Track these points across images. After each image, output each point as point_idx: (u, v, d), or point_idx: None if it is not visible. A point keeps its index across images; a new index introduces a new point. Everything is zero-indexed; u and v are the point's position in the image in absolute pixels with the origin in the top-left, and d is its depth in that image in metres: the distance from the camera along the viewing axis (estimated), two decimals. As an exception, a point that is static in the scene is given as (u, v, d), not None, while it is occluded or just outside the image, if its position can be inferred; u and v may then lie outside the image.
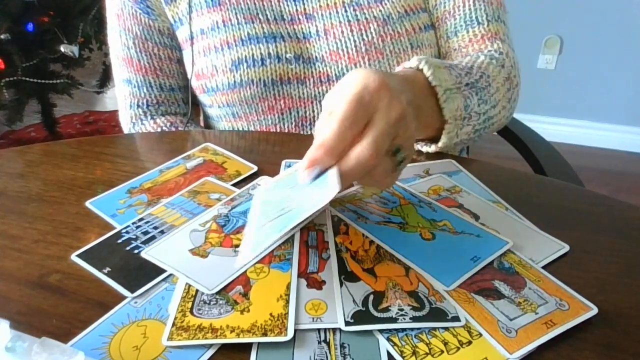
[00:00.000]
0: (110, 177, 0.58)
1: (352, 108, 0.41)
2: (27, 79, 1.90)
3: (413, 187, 0.55)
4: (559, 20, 2.34)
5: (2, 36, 1.77)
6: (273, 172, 0.58)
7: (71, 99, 2.17)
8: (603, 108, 2.44)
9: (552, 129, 2.42)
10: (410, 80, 0.53)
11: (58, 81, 2.00)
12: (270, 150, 0.64)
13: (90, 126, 2.54)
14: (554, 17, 2.33)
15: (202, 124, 0.86)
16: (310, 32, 0.71)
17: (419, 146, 0.63)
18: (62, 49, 1.92)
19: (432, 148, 0.62)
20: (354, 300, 0.40)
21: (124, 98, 0.80)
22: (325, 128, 0.41)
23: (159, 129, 0.78)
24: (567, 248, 0.47)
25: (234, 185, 0.56)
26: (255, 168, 0.59)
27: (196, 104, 0.81)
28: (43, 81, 1.95)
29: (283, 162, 0.60)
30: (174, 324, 0.38)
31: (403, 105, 0.43)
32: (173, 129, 0.78)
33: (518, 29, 2.43)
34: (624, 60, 2.33)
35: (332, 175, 0.41)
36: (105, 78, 2.21)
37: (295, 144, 0.67)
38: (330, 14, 0.71)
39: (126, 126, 0.82)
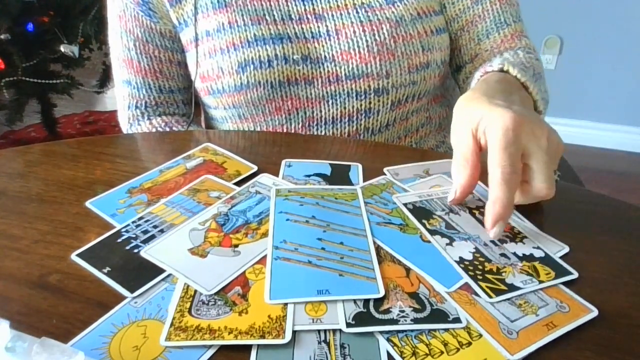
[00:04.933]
0: (110, 177, 0.58)
1: (507, 157, 0.44)
2: (27, 79, 1.90)
3: (413, 187, 0.55)
4: (559, 20, 2.34)
5: (2, 36, 1.77)
6: (273, 172, 0.58)
7: (71, 99, 2.17)
8: (603, 108, 2.44)
9: (552, 129, 2.41)
10: (510, 89, 0.57)
11: (58, 81, 1.99)
12: (271, 150, 0.64)
13: (90, 126, 2.54)
14: (554, 17, 2.33)
15: (203, 124, 0.86)
16: (319, 31, 0.71)
17: None
18: (62, 49, 1.92)
19: None
20: (354, 302, 0.40)
21: (122, 99, 0.80)
22: (494, 186, 0.44)
23: (153, 129, 0.78)
24: (567, 248, 0.47)
25: (234, 184, 0.56)
26: (255, 168, 0.59)
27: (197, 104, 0.81)
28: (43, 81, 1.95)
29: (283, 162, 0.60)
30: (172, 324, 0.38)
31: (544, 125, 0.47)
32: (167, 129, 0.78)
33: (518, 29, 2.43)
34: (624, 60, 2.33)
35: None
36: (105, 78, 2.21)
37: (295, 143, 0.67)
38: (341, 14, 0.71)
39: (124, 126, 0.82)
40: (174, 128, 0.78)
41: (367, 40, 0.69)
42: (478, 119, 0.48)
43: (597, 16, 2.28)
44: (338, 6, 0.71)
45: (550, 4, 2.31)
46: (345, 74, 0.70)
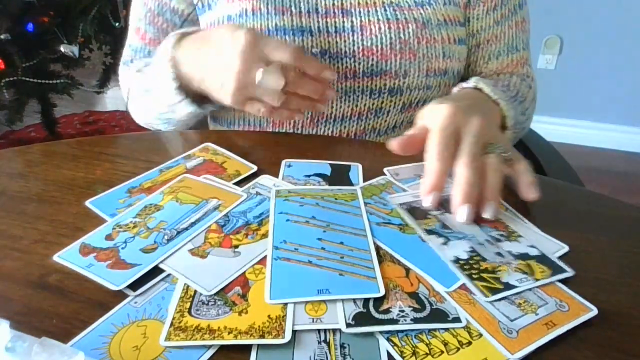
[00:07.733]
0: (110, 177, 0.58)
1: (442, 137, 0.51)
2: (27, 79, 1.90)
3: (413, 187, 0.55)
4: (559, 20, 2.34)
5: (2, 36, 1.77)
6: (273, 172, 0.58)
7: (71, 99, 2.17)
8: (603, 108, 2.44)
9: (552, 129, 2.42)
10: (475, 100, 0.61)
11: (58, 81, 1.99)
12: (270, 150, 0.64)
13: (90, 126, 2.54)
14: (554, 17, 2.33)
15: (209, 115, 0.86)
16: (344, 26, 0.71)
17: None
18: (62, 49, 1.92)
19: None
20: (354, 301, 0.40)
21: (124, 55, 0.84)
22: (429, 161, 0.51)
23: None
24: (567, 248, 0.47)
25: (234, 184, 0.56)
26: (255, 168, 0.59)
27: None
28: (43, 81, 1.95)
29: (283, 162, 0.60)
30: (172, 324, 0.38)
31: (479, 116, 0.53)
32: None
33: (518, 29, 2.43)
34: (624, 60, 2.33)
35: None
36: (105, 78, 2.21)
37: (294, 144, 0.67)
38: (368, 11, 0.71)
39: (120, 68, 0.84)
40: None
41: (391, 37, 0.70)
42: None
43: (597, 16, 2.28)
44: (367, 3, 0.71)
45: (550, 4, 2.31)
46: (362, 71, 0.70)
